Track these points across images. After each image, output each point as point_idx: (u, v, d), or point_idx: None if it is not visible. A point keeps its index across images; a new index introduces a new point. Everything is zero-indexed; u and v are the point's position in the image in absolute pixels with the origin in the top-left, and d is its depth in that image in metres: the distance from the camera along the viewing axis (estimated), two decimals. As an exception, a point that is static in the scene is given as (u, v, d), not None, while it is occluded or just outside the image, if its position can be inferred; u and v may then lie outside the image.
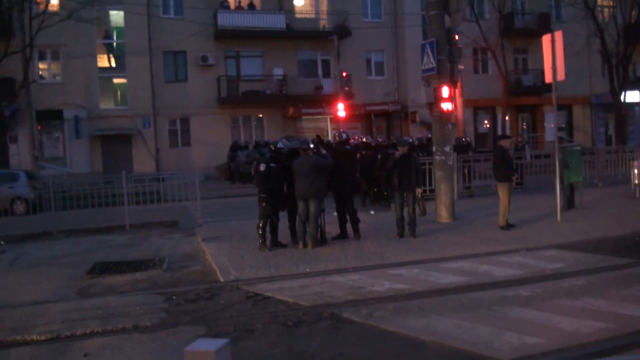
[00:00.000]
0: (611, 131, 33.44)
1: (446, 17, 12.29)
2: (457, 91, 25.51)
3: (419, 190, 11.24)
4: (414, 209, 11.08)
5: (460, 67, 13.12)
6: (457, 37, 12.38)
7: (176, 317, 6.90)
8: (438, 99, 12.28)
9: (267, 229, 10.52)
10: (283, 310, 6.87)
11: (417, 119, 29.81)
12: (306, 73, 29.91)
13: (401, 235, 11.04)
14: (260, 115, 29.67)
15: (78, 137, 25.45)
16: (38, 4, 21.47)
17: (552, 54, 11.53)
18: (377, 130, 30.89)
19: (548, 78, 11.75)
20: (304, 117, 29.70)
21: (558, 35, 11.47)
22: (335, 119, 27.98)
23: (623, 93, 28.43)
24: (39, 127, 25.44)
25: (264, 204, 10.30)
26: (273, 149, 10.88)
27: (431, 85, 12.42)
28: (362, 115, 30.64)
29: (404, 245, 10.45)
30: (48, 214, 14.82)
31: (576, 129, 33.73)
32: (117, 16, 27.69)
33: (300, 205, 10.31)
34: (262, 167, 10.33)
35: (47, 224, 14.03)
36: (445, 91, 12.15)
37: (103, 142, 26.55)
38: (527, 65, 32.06)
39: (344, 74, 26.66)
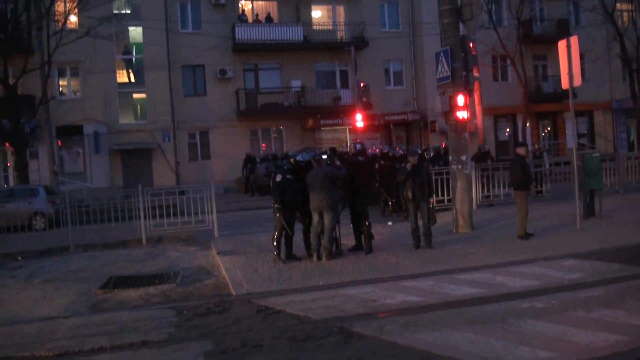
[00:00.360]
0: (633, 137, 32.83)
1: (460, 25, 12.17)
2: (477, 99, 25.45)
3: (431, 200, 11.12)
4: (429, 219, 10.93)
5: (475, 74, 12.91)
6: (472, 44, 12.20)
7: (185, 332, 6.84)
8: (453, 107, 12.13)
9: (282, 241, 10.49)
10: (292, 324, 6.77)
11: (437, 128, 29.59)
12: (324, 84, 29.92)
13: (417, 246, 10.90)
14: (280, 127, 29.69)
15: (97, 152, 25.72)
16: (56, 21, 21.75)
17: (568, 60, 11.32)
18: (397, 140, 30.74)
19: (565, 84, 11.55)
20: (322, 129, 29.68)
21: (574, 40, 11.27)
22: (354, 130, 27.91)
23: (645, 98, 27.91)
24: (60, 143, 25.80)
25: (278, 215, 10.28)
26: (292, 161, 10.85)
27: (446, 93, 12.27)
28: (381, 126, 30.53)
29: (419, 256, 10.30)
30: (66, 229, 14.90)
31: (598, 135, 33.16)
32: (135, 32, 28.03)
33: (315, 217, 10.24)
34: (278, 178, 10.34)
35: (65, 239, 14.11)
36: (460, 99, 12.00)
37: (123, 157, 26.79)
38: (546, 72, 31.67)
39: (362, 85, 26.58)
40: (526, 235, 11.18)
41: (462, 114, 12.07)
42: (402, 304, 7.26)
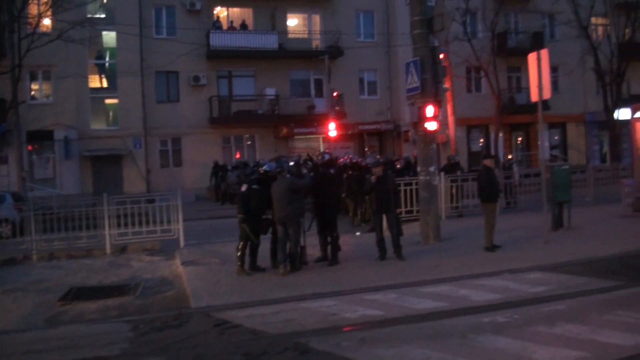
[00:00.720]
0: (606, 149, 33.25)
1: (431, 37, 12.13)
2: (449, 110, 25.58)
3: (398, 211, 11.02)
4: (396, 230, 10.81)
5: (446, 85, 12.87)
6: (442, 56, 12.15)
7: (139, 348, 6.62)
8: (422, 118, 12.05)
9: (247, 251, 10.29)
10: (249, 339, 6.57)
11: (410, 138, 29.58)
12: (299, 93, 29.80)
13: (382, 257, 10.77)
14: (253, 135, 29.47)
15: (68, 157, 25.21)
16: (29, 24, 21.28)
17: (538, 72, 11.31)
18: (370, 149, 30.69)
19: (534, 96, 11.53)
20: (296, 137, 29.54)
21: (544, 53, 11.27)
22: (327, 139, 27.82)
23: (616, 111, 28.26)
24: (30, 148, 25.29)
25: (243, 226, 10.10)
26: (260, 171, 10.62)
27: (416, 104, 12.19)
28: (355, 135, 30.50)
29: (384, 268, 10.16)
30: (30, 237, 14.47)
31: (570, 147, 33.52)
32: (108, 37, 27.60)
33: (279, 229, 10.01)
34: (243, 188, 10.18)
35: (30, 248, 13.69)
36: (429, 110, 11.92)
37: (93, 163, 26.30)
38: (520, 83, 31.88)
39: (335, 94, 26.52)
40: (493, 247, 11.11)
41: (431, 125, 11.99)
42: (362, 318, 7.11)
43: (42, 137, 25.25)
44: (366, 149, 30.77)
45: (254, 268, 10.34)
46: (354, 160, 16.58)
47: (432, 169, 12.31)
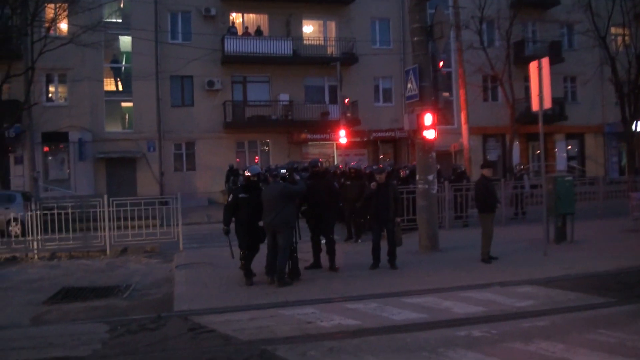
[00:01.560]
0: (624, 161, 32.57)
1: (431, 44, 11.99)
2: (463, 118, 25.23)
3: (397, 220, 10.83)
4: (393, 240, 10.65)
5: (446, 94, 12.70)
6: (441, 63, 11.98)
7: (109, 349, 6.58)
8: (420, 126, 11.88)
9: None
10: (217, 345, 6.49)
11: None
12: (313, 99, 29.74)
13: (375, 266, 10.61)
14: (267, 141, 29.48)
15: (82, 159, 25.48)
16: (45, 28, 21.58)
17: (539, 81, 11.09)
18: (384, 157, 30.48)
19: (535, 106, 11.31)
20: (309, 143, 29.44)
21: (545, 62, 11.06)
22: (341, 145, 27.66)
23: (635, 122, 27.68)
24: (47, 149, 25.67)
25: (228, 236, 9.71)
26: (247, 175, 9.86)
27: (414, 112, 12.05)
28: (369, 142, 30.31)
29: (375, 277, 10.00)
30: (32, 236, 14.61)
31: (588, 158, 32.91)
32: (124, 41, 27.91)
33: (269, 237, 9.47)
34: (230, 198, 9.75)
35: (31, 247, 13.81)
36: (427, 118, 11.76)
37: (107, 165, 26.54)
38: (537, 93, 31.34)
39: (346, 101, 26.41)
40: (489, 259, 10.89)
41: (429, 134, 11.82)
42: (337, 328, 6.97)
43: (57, 139, 25.57)
44: (380, 157, 30.58)
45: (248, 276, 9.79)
46: (354, 168, 16.30)
47: (430, 177, 12.14)
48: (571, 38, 32.01)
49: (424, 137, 11.89)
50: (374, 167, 18.61)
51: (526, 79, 30.35)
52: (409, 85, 12.07)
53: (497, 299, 8.14)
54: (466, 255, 11.54)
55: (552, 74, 32.39)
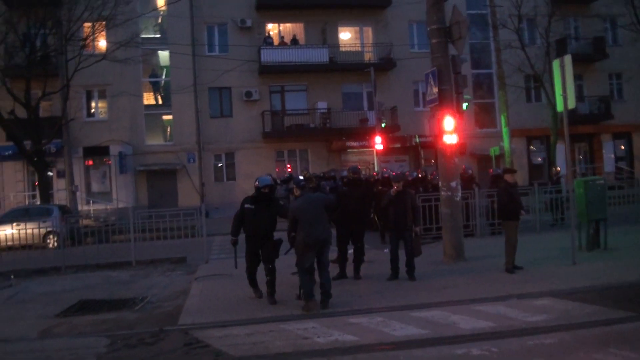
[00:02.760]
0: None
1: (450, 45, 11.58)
2: (503, 120, 24.42)
3: (416, 229, 10.46)
4: (411, 249, 10.28)
5: (467, 97, 12.24)
6: (461, 65, 11.54)
7: (100, 365, 6.52)
8: (441, 131, 11.46)
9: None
10: (207, 362, 6.34)
11: (467, 151, 28.56)
12: (351, 106, 29.45)
13: (393, 277, 10.28)
14: (305, 149, 29.39)
15: (123, 172, 26.00)
16: (83, 46, 22.20)
17: (563, 80, 10.53)
18: (425, 162, 29.83)
19: (559, 106, 10.75)
20: (348, 150, 29.17)
21: (567, 59, 10.51)
22: (380, 152, 27.23)
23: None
24: (91, 162, 26.37)
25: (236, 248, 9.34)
26: (256, 185, 9.21)
27: (435, 116, 11.65)
28: (410, 148, 29.75)
29: (389, 288, 9.67)
30: (73, 248, 14.96)
31: (637, 158, 31.29)
32: (162, 55, 28.46)
33: (310, 255, 8.36)
34: (239, 208, 9.31)
35: (74, 259, 14.08)
36: (448, 123, 11.33)
37: (148, 177, 27.02)
38: (582, 92, 30.20)
39: (380, 107, 26.04)
40: (513, 269, 10.35)
41: (450, 138, 11.38)
42: (332, 344, 6.71)
43: (98, 153, 26.24)
44: (422, 162, 29.96)
45: (256, 292, 9.42)
46: (386, 175, 16.00)
47: (453, 184, 11.69)
48: (615, 33, 30.54)
49: (444, 142, 11.46)
50: (414, 173, 18.31)
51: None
52: (428, 89, 11.69)
53: (510, 312, 7.67)
54: (491, 265, 11.02)
55: (597, 71, 31.31)
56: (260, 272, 9.21)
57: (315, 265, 8.55)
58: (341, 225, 10.60)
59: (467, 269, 10.89)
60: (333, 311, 8.23)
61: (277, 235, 9.17)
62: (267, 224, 9.11)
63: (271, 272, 9.03)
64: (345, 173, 11.61)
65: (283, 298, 9.10)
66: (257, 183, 9.29)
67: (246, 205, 9.20)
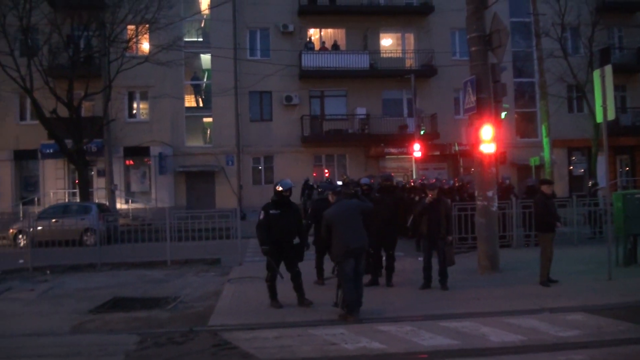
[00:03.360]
0: None
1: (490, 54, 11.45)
2: (543, 131, 23.96)
3: (449, 238, 10.37)
4: (444, 259, 10.20)
5: (506, 105, 12.08)
6: (501, 73, 11.41)
7: (129, 362, 6.66)
8: (479, 140, 11.34)
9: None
10: (233, 364, 6.41)
11: (507, 160, 28.13)
12: (390, 112, 29.31)
13: (426, 286, 10.19)
14: (344, 154, 29.38)
15: (162, 172, 26.43)
16: (126, 48, 22.75)
17: (603, 91, 10.31)
18: (464, 171, 29.47)
19: (599, 117, 10.52)
20: (387, 157, 29.02)
21: (608, 70, 10.28)
22: (419, 159, 27.03)
23: None
24: (132, 162, 26.94)
25: (268, 257, 9.07)
26: (278, 190, 9.14)
27: (472, 125, 11.53)
28: (449, 156, 29.45)
29: (421, 297, 9.62)
30: (110, 246, 15.30)
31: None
32: (204, 58, 28.89)
33: (350, 263, 8.23)
34: (262, 216, 9.02)
35: (110, 256, 14.39)
36: (486, 132, 11.19)
37: (187, 178, 27.44)
38: (625, 103, 29.38)
39: (420, 114, 25.86)
40: (548, 282, 10.15)
41: (487, 147, 11.24)
42: (359, 351, 6.72)
43: (138, 153, 26.76)
44: (461, 170, 29.61)
45: (274, 304, 9.20)
46: (420, 183, 15.89)
47: (490, 193, 11.53)
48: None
49: (482, 152, 11.32)
50: (451, 181, 18.14)
51: (613, 88, 28.87)
52: (466, 97, 11.59)
53: (541, 326, 7.52)
54: (526, 278, 10.81)
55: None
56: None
57: None
58: (373, 232, 10.55)
59: (501, 281, 10.72)
60: (362, 318, 8.20)
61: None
62: (292, 228, 9.17)
63: (298, 276, 9.10)
64: (365, 180, 11.53)
65: (314, 303, 9.13)
66: (279, 187, 9.18)
67: (271, 212, 9.04)
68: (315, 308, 8.94)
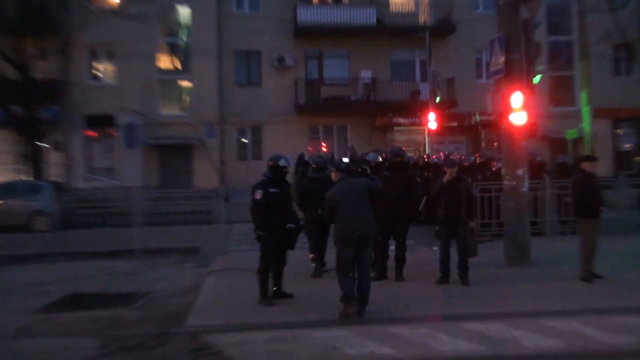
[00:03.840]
0: None
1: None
2: (587, 98, 23.70)
3: (471, 224, 10.18)
4: (465, 249, 10.02)
5: (540, 68, 11.84)
6: (534, 31, 11.15)
7: (89, 371, 6.49)
8: (507, 108, 11.10)
9: (270, 274, 9.24)
10: (215, 372, 6.24)
11: (538, 133, 27.87)
12: (400, 76, 29.27)
13: (443, 280, 10.02)
14: (344, 125, 29.29)
15: (130, 146, 25.97)
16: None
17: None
18: (487, 145, 29.31)
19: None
20: (395, 128, 28.92)
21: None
22: (435, 131, 26.86)
23: None
24: (91, 134, 26.68)
25: (263, 245, 8.96)
26: (271, 164, 9.06)
27: (500, 91, 11.29)
28: (469, 127, 29.24)
29: (438, 293, 9.46)
30: (67, 232, 15.16)
31: None
32: (182, 12, 28.58)
33: (349, 252, 8.13)
34: (258, 195, 8.78)
35: (66, 243, 14.24)
36: (516, 99, 10.94)
37: (161, 153, 27.35)
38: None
39: (435, 78, 25.65)
40: (591, 277, 9.97)
41: (517, 118, 11.00)
42: (366, 357, 6.60)
43: (103, 123, 26.35)
44: (482, 145, 29.45)
45: (279, 295, 9.24)
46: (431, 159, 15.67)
47: (519, 172, 11.32)
48: None
49: (510, 122, 11.09)
50: (471, 157, 17.93)
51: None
52: (492, 58, 11.36)
53: (586, 331, 7.35)
54: (563, 272, 10.63)
55: None
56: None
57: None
58: (381, 216, 10.34)
59: (533, 275, 10.58)
60: (369, 318, 8.05)
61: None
62: (292, 209, 9.25)
63: (283, 265, 9.26)
64: (371, 156, 11.31)
65: (312, 300, 9.05)
66: (281, 162, 9.04)
67: (271, 190, 8.87)
68: (312, 305, 8.81)
